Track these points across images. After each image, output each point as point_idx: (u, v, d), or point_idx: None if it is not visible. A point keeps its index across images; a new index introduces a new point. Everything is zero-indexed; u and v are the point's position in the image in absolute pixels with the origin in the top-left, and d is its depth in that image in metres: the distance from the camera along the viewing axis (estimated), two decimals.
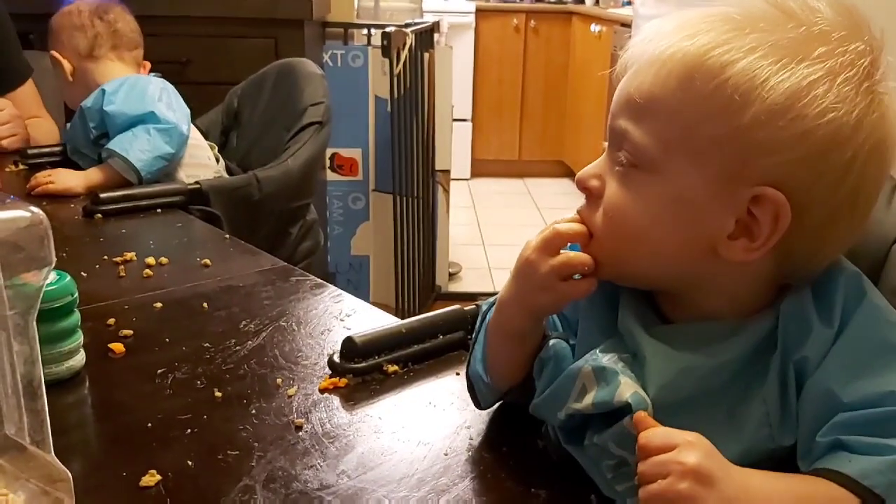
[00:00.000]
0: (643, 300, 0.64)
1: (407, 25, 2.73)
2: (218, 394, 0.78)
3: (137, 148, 1.51)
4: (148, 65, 1.75)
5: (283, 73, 1.83)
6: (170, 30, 2.34)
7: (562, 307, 0.66)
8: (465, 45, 5.02)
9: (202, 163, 1.66)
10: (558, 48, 5.21)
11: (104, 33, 1.67)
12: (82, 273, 1.08)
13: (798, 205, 0.55)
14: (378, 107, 2.90)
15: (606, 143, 0.63)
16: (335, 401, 0.78)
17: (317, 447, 0.70)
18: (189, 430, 0.72)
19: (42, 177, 1.50)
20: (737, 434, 0.57)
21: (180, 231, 1.37)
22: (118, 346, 0.88)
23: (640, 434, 0.53)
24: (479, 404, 0.73)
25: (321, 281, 1.09)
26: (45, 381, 0.58)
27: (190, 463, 0.68)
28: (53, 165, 1.63)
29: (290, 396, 0.78)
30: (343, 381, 0.81)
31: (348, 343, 0.83)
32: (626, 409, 0.57)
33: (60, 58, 1.68)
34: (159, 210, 1.43)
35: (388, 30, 2.62)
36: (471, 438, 0.72)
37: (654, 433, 0.52)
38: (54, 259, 0.55)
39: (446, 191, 3.29)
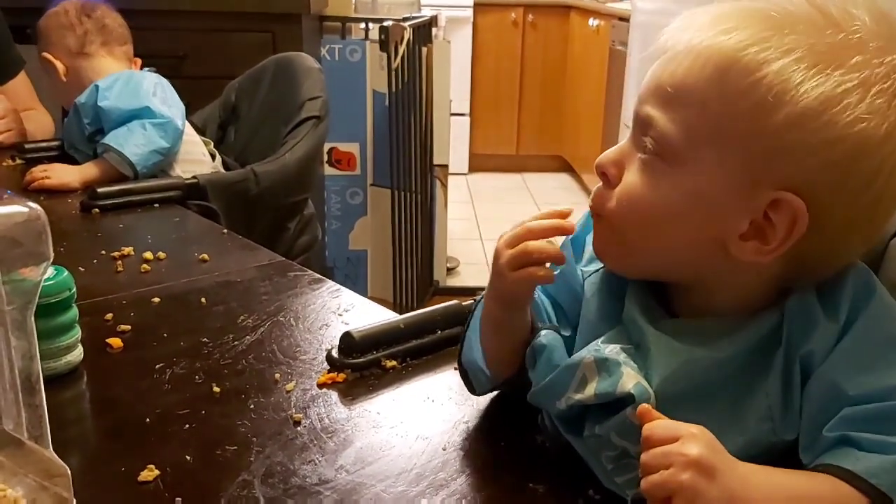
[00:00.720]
0: (650, 293, 0.64)
1: (405, 19, 2.72)
2: (216, 389, 0.78)
3: (133, 142, 1.51)
4: (139, 61, 1.75)
5: (281, 67, 1.82)
6: (167, 24, 2.34)
7: (526, 295, 0.66)
8: (462, 40, 5.01)
9: (197, 159, 1.66)
10: (556, 42, 5.19)
11: (93, 30, 1.67)
12: (80, 268, 1.08)
13: (816, 213, 0.55)
14: (376, 101, 2.90)
15: (630, 127, 0.62)
16: (333, 396, 0.78)
17: (315, 442, 0.70)
18: (187, 425, 0.72)
19: (38, 171, 1.50)
20: (739, 427, 0.57)
21: (178, 226, 1.37)
22: (116, 341, 0.88)
23: (644, 425, 0.53)
24: (473, 390, 0.74)
25: (319, 276, 1.09)
26: (44, 377, 0.57)
27: (188, 458, 0.68)
28: (50, 160, 1.63)
29: (288, 391, 0.78)
30: (341, 377, 0.81)
31: (346, 338, 0.83)
32: (627, 400, 0.57)
33: (52, 59, 1.67)
34: (157, 205, 1.43)
35: (385, 24, 2.61)
36: (469, 433, 0.72)
37: (658, 424, 0.53)
38: (52, 254, 0.55)
39: (444, 185, 3.29)
